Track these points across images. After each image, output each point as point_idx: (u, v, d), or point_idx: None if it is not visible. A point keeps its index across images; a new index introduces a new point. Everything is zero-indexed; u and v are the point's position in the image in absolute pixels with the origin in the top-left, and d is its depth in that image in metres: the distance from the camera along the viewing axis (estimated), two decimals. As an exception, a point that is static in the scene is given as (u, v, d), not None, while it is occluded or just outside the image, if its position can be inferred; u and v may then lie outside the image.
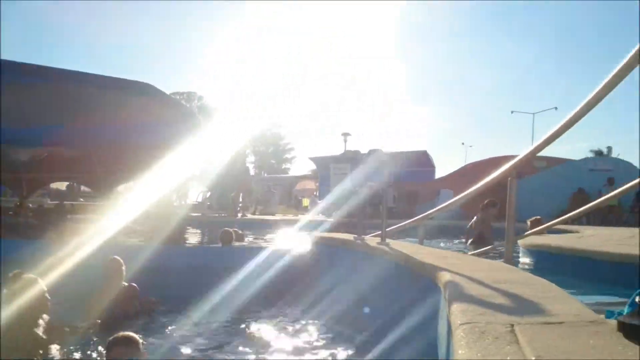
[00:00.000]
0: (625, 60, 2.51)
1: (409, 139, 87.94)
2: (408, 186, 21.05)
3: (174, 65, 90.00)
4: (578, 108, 3.21)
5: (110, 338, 2.99)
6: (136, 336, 3.00)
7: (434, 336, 2.89)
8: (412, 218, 6.85)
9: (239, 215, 16.31)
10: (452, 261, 3.50)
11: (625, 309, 1.70)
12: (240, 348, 4.12)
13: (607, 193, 15.72)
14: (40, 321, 3.67)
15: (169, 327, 4.67)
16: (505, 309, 1.90)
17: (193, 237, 12.20)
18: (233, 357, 3.94)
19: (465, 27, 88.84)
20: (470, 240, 9.20)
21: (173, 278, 5.69)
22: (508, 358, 1.32)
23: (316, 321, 4.75)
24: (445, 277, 2.77)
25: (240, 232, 7.29)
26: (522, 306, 1.98)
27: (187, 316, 4.95)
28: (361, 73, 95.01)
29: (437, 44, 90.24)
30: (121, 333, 3.02)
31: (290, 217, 18.17)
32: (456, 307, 1.98)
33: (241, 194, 17.33)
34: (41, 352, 3.54)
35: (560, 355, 1.30)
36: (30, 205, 15.08)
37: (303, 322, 4.79)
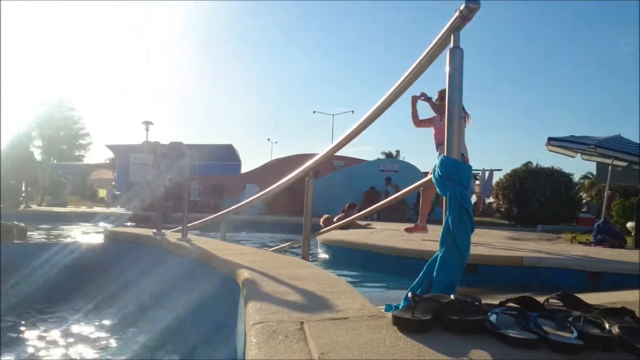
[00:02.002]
0: (403, 77, 2.80)
1: (216, 133, 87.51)
2: (213, 180, 20.94)
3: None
4: (363, 118, 3.50)
5: None
6: None
7: (234, 336, 2.89)
8: (218, 212, 6.81)
9: (22, 206, 14.56)
10: (252, 257, 3.55)
11: (401, 303, 1.89)
12: (25, 354, 3.63)
13: (390, 191, 17.47)
14: None
15: None
16: (298, 306, 1.98)
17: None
18: None
19: (271, 28, 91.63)
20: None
21: None
22: (295, 357, 1.36)
23: (111, 323, 4.41)
24: (244, 274, 2.79)
25: (22, 226, 6.46)
26: (313, 302, 2.07)
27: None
28: (165, 63, 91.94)
29: (243, 41, 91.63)
30: None
31: (84, 209, 16.80)
32: (251, 306, 2.00)
33: (24, 183, 15.45)
34: None
35: (342, 350, 1.38)
36: None
37: (96, 324, 4.41)
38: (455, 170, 1.99)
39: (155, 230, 5.34)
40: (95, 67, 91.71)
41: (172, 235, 5.17)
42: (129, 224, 11.45)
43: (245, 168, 27.05)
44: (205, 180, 20.34)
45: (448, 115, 2.09)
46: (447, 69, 2.15)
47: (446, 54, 2.18)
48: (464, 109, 6.22)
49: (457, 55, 2.14)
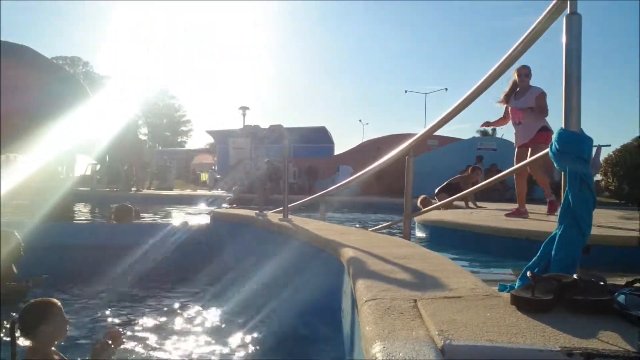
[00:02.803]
0: (508, 53, 2.68)
1: (308, 115, 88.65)
2: (308, 162, 21.31)
3: (60, 29, 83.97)
4: (471, 90, 3.36)
5: (24, 306, 2.75)
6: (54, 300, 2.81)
7: (338, 313, 2.95)
8: (312, 193, 6.92)
9: (133, 189, 15.62)
10: (353, 237, 3.58)
11: (517, 283, 1.83)
12: (135, 331, 3.89)
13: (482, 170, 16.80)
14: None
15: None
16: (408, 285, 1.97)
17: (82, 213, 11.50)
18: (129, 341, 3.72)
19: (360, 10, 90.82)
20: (439, 188, 9.69)
21: (60, 258, 5.26)
22: (413, 333, 1.36)
23: (217, 300, 4.65)
24: (348, 253, 2.83)
25: (136, 208, 6.95)
26: (422, 281, 2.06)
27: (77, 298, 4.64)
28: (258, 48, 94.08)
29: (334, 24, 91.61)
30: (38, 299, 2.82)
31: (188, 192, 17.72)
32: (361, 284, 2.02)
33: (135, 167, 16.57)
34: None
35: (461, 328, 1.37)
36: None
37: (204, 301, 4.67)
38: (574, 143, 1.88)
39: (257, 211, 5.53)
40: (193, 55, 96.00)
41: (273, 216, 5.33)
42: (224, 205, 11.93)
43: (337, 150, 27.27)
44: (300, 162, 20.75)
45: (566, 88, 1.97)
46: (564, 37, 2.02)
47: (562, 22, 2.05)
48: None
49: (574, 22, 2.01)
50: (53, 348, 2.75)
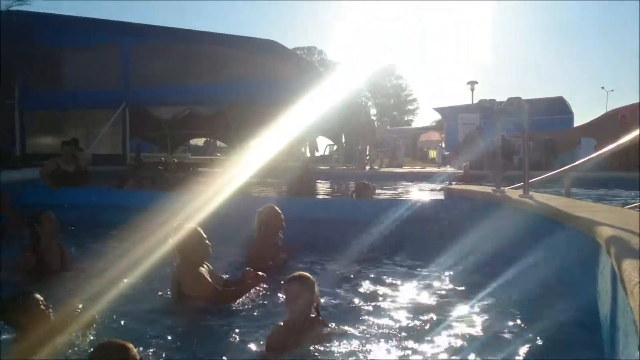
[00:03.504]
0: None
1: (540, 86, 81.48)
2: (544, 135, 19.82)
3: (295, 21, 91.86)
4: None
5: (289, 277, 3.21)
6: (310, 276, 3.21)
7: (592, 293, 2.78)
8: (549, 169, 6.45)
9: (367, 167, 16.45)
10: (607, 215, 3.29)
11: None
12: (374, 300, 4.10)
13: None
14: (206, 266, 4.03)
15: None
16: (686, 267, 1.78)
17: (324, 190, 12.54)
18: (366, 307, 3.96)
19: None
20: None
21: (309, 230, 5.85)
22: None
23: (458, 278, 4.66)
24: (606, 232, 2.63)
25: (373, 184, 7.37)
26: None
27: (325, 268, 5.11)
28: (484, 16, 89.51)
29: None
30: (297, 272, 3.28)
31: (418, 169, 18.00)
32: (628, 264, 1.89)
33: (368, 147, 17.41)
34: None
35: None
36: (175, 160, 16.38)
37: (443, 278, 4.73)
38: None
39: (494, 188, 5.40)
40: (417, 34, 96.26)
41: (512, 192, 5.14)
42: (453, 182, 11.78)
43: (577, 121, 24.83)
44: (535, 136, 19.39)
45: None
46: None
47: None
48: None
49: None
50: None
